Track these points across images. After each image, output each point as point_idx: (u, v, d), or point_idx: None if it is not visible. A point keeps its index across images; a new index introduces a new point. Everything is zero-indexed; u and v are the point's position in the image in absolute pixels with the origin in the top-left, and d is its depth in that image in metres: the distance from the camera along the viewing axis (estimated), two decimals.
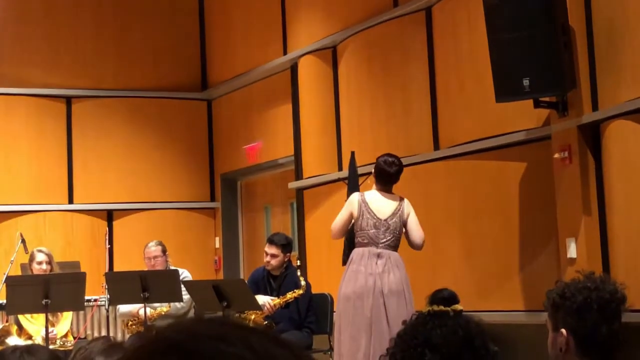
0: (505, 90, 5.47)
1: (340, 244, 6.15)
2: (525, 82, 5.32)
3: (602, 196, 5.42)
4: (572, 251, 5.44)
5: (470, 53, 6.33)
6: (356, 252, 5.74)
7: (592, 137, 5.47)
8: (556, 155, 5.54)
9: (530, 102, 5.53)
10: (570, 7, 5.44)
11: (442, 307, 2.54)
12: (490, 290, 6.21)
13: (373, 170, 5.88)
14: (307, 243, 8.11)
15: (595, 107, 5.45)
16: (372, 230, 5.71)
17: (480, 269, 6.28)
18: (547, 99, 5.56)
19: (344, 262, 5.96)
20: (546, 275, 5.71)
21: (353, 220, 5.84)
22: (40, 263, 6.91)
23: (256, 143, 9.03)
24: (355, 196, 5.83)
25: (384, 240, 5.71)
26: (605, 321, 2.29)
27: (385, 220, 5.73)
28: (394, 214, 5.75)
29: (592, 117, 5.42)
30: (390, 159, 5.82)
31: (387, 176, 5.80)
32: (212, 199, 9.70)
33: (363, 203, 5.76)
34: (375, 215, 5.72)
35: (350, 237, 5.96)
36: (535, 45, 5.31)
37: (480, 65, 6.00)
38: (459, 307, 2.64)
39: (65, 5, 9.37)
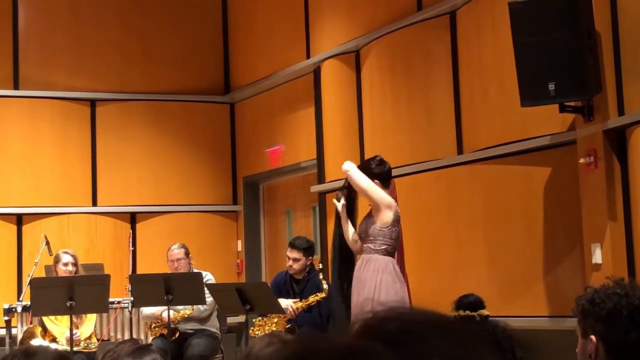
0: (531, 94, 5.44)
1: None
2: (551, 86, 5.29)
3: (628, 201, 5.38)
4: (597, 257, 5.40)
5: (494, 57, 6.30)
6: (389, 261, 5.50)
7: (618, 142, 5.43)
8: (581, 160, 5.50)
9: (556, 106, 5.50)
10: (595, 11, 5.41)
11: (468, 312, 2.53)
12: (514, 295, 6.17)
13: (375, 180, 5.53)
14: (329, 247, 8.10)
15: (621, 112, 5.41)
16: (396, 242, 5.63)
17: (504, 274, 6.24)
18: (572, 103, 5.52)
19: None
20: (571, 280, 5.67)
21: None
22: (66, 264, 6.96)
23: (279, 146, 9.05)
24: (393, 203, 5.54)
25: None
26: (635, 328, 2.27)
27: None
28: None
29: (618, 122, 5.38)
30: (377, 158, 5.62)
31: (388, 174, 5.64)
32: (235, 202, 9.73)
33: (398, 214, 5.53)
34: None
35: (342, 251, 5.82)
36: (561, 49, 5.28)
37: (505, 69, 5.97)
38: (485, 312, 2.62)
39: (90, 9, 9.43)
